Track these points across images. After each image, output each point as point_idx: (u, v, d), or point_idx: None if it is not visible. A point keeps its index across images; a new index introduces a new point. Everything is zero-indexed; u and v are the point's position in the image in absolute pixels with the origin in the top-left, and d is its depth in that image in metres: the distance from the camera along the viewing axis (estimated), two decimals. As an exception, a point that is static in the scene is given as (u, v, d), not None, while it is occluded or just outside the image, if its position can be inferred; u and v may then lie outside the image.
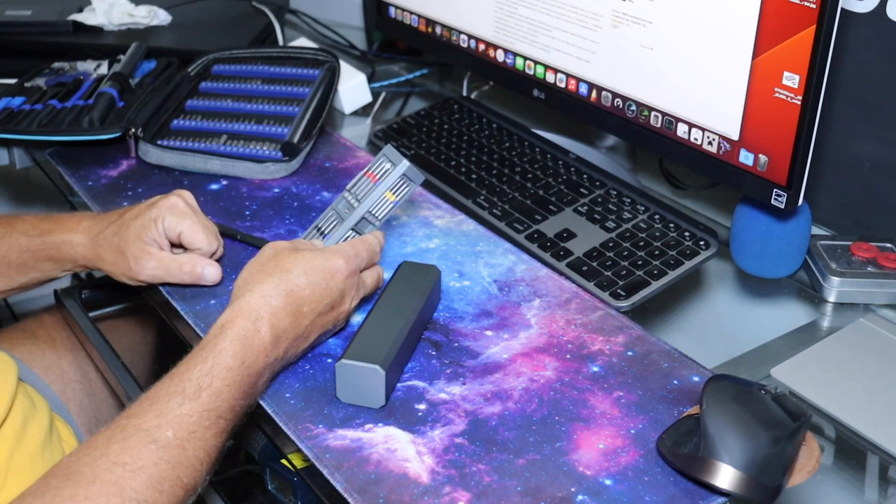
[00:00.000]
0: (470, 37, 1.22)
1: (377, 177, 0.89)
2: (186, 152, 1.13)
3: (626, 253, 0.97)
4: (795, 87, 0.86)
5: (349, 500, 0.70)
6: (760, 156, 0.91)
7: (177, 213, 0.91)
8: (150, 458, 0.67)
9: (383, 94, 1.42)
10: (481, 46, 1.21)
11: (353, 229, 0.89)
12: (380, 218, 0.89)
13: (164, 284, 0.93)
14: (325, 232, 0.90)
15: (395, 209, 0.90)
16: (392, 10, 1.34)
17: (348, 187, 0.91)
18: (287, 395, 0.80)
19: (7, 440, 0.89)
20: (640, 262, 0.95)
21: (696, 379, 0.82)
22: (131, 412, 0.70)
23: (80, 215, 0.95)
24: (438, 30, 1.27)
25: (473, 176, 1.12)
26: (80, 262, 0.93)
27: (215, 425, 0.71)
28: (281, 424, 0.77)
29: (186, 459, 0.69)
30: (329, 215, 0.91)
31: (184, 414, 0.70)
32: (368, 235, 0.87)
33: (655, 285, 0.93)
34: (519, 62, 1.16)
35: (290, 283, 0.78)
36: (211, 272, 0.91)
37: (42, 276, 0.97)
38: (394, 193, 0.89)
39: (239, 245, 1.00)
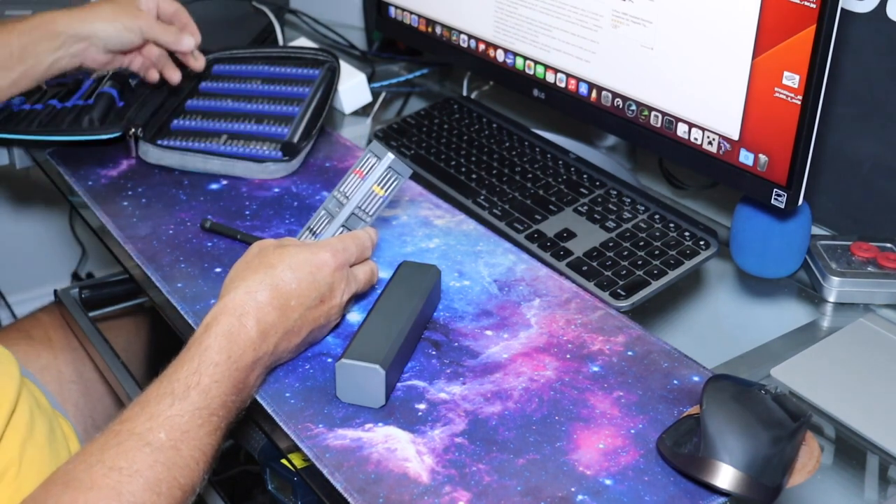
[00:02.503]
0: (470, 37, 1.22)
1: (364, 173, 0.89)
2: (186, 152, 1.13)
3: (626, 253, 0.97)
4: (795, 86, 0.86)
5: (349, 499, 0.70)
6: (760, 155, 0.91)
7: None
8: (146, 462, 0.67)
9: (383, 94, 1.42)
10: (481, 46, 1.21)
11: (343, 226, 0.89)
12: (370, 214, 0.89)
13: (144, 45, 1.14)
14: (317, 231, 0.90)
15: (386, 205, 0.89)
16: (392, 10, 1.34)
17: (337, 186, 0.91)
18: (287, 394, 0.80)
19: (19, 432, 0.90)
20: (640, 262, 0.95)
21: (696, 379, 0.82)
22: (124, 417, 0.70)
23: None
24: (438, 30, 1.27)
25: (473, 176, 1.12)
26: (73, 30, 1.07)
27: (208, 423, 0.71)
28: (281, 424, 0.77)
29: (182, 460, 0.69)
30: (320, 215, 0.91)
31: (174, 415, 0.70)
32: (358, 231, 0.87)
33: (655, 285, 0.93)
34: (519, 62, 1.16)
35: (276, 278, 0.78)
36: (190, 39, 1.14)
37: (37, 62, 1.07)
38: (381, 187, 0.89)
39: (238, 245, 1.00)
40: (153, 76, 1.17)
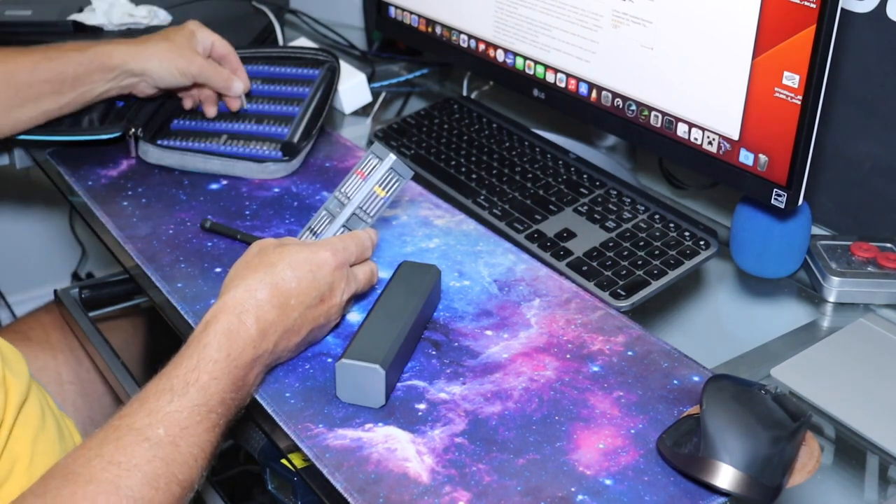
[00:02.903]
0: (470, 37, 1.22)
1: (366, 173, 0.89)
2: (186, 152, 1.13)
3: (626, 253, 0.97)
4: (795, 86, 0.86)
5: (349, 499, 0.70)
6: (760, 155, 0.91)
7: (206, 29, 1.15)
8: (144, 456, 0.67)
9: (383, 94, 1.42)
10: (481, 46, 1.21)
11: (344, 226, 0.89)
12: (371, 214, 0.89)
13: (192, 88, 1.16)
14: (318, 232, 0.90)
15: (387, 206, 0.89)
16: (392, 10, 1.34)
17: (339, 187, 0.91)
18: (287, 394, 0.80)
19: (30, 425, 0.90)
20: (640, 262, 0.95)
21: (696, 379, 0.82)
22: (123, 413, 0.70)
23: (116, 39, 1.15)
24: (438, 30, 1.27)
25: (473, 176, 1.12)
26: (128, 66, 1.09)
27: (207, 420, 0.71)
28: (281, 424, 0.77)
29: (180, 456, 0.69)
30: (321, 216, 0.91)
31: (174, 411, 0.70)
32: (359, 231, 0.87)
33: (655, 285, 0.93)
34: (519, 62, 1.16)
35: (276, 277, 0.78)
36: (239, 84, 1.16)
37: (89, 91, 1.10)
38: (383, 188, 0.89)
39: (238, 245, 1.00)
40: (188, 105, 1.20)
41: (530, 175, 1.11)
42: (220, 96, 1.19)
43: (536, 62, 1.14)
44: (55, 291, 1.14)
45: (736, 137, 0.93)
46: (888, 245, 1.01)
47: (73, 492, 0.65)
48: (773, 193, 0.90)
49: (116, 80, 1.10)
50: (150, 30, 1.45)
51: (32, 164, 1.23)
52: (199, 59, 1.12)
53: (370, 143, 1.25)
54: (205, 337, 0.74)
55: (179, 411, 0.70)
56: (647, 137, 1.02)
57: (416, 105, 1.39)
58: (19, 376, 0.91)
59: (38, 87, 1.08)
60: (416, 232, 1.04)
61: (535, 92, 1.15)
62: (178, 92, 1.17)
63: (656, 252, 0.96)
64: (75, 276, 1.90)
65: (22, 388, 0.90)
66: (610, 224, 1.01)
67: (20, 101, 1.08)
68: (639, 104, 1.02)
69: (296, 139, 1.15)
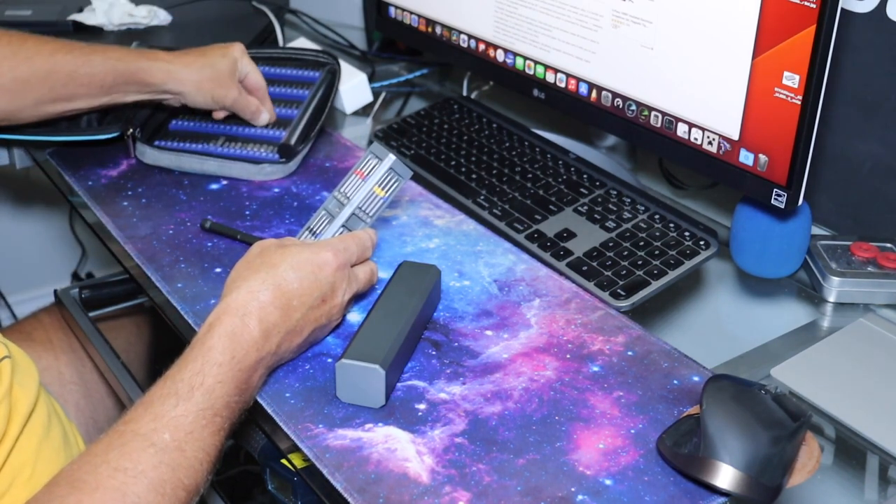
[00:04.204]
0: (470, 37, 1.22)
1: (365, 174, 0.89)
2: (183, 153, 1.13)
3: (626, 253, 0.97)
4: (795, 86, 0.86)
5: (349, 499, 0.70)
6: (760, 155, 0.91)
7: (247, 58, 1.15)
8: (150, 462, 0.67)
9: (383, 94, 1.42)
10: (481, 46, 1.21)
11: (343, 226, 0.89)
12: (371, 214, 0.89)
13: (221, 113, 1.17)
14: (317, 232, 0.90)
15: (386, 206, 0.89)
16: (392, 10, 1.34)
17: (338, 187, 0.91)
18: (287, 394, 0.80)
19: (35, 433, 0.90)
20: (640, 262, 0.95)
21: (696, 379, 0.82)
22: (128, 418, 0.70)
23: (159, 52, 1.13)
24: (438, 30, 1.27)
25: (473, 176, 1.12)
26: (167, 87, 1.10)
27: (212, 423, 0.71)
28: (281, 424, 0.77)
29: (186, 461, 0.69)
30: (320, 216, 0.91)
31: (179, 415, 0.70)
32: (359, 231, 0.87)
33: (655, 285, 0.93)
34: (519, 62, 1.16)
35: (278, 278, 0.78)
36: (266, 116, 1.17)
37: (120, 97, 1.10)
38: (382, 188, 0.89)
39: (239, 245, 1.00)
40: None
41: (530, 175, 1.11)
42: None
43: (536, 62, 1.14)
44: (55, 291, 1.14)
45: (736, 137, 0.93)
46: (888, 245, 1.01)
47: (80, 499, 0.65)
48: (773, 193, 0.90)
49: (149, 94, 1.11)
50: (151, 30, 1.46)
51: (32, 164, 1.23)
52: (234, 91, 1.13)
53: (370, 143, 1.25)
54: (208, 340, 0.74)
55: (185, 416, 0.70)
56: (647, 137, 1.02)
57: (416, 105, 1.39)
58: (28, 386, 0.90)
59: (73, 89, 1.07)
60: (416, 232, 1.04)
61: (535, 92, 1.15)
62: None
63: (656, 252, 0.96)
64: (75, 276, 1.91)
65: (30, 398, 0.90)
66: (610, 224, 1.01)
67: (53, 98, 1.07)
68: (639, 104, 1.02)
69: (293, 142, 1.15)
